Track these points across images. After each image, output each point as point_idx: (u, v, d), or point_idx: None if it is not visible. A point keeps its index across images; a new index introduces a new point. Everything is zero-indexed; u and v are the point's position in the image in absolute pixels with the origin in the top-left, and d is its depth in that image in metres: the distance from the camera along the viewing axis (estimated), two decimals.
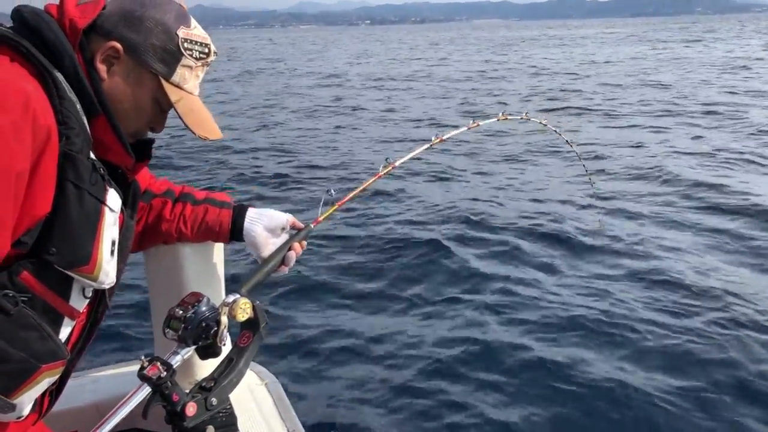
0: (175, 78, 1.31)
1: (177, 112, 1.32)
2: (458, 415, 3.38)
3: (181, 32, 1.30)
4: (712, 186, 7.61)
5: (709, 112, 13.19)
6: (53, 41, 1.18)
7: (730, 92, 16.12)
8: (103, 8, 1.27)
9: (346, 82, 22.92)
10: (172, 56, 1.29)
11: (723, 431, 3.22)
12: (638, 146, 10.18)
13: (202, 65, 1.35)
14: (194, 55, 1.32)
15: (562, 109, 14.53)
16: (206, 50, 1.34)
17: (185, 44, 1.30)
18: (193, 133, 1.34)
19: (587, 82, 19.85)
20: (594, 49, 39.33)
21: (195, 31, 1.33)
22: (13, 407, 1.18)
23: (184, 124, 1.32)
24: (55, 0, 1.26)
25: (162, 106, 1.33)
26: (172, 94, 1.31)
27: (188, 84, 1.33)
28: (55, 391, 1.35)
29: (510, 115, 2.49)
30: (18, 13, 1.20)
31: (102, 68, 1.25)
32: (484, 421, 3.34)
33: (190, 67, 1.32)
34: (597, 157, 9.27)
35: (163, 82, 1.30)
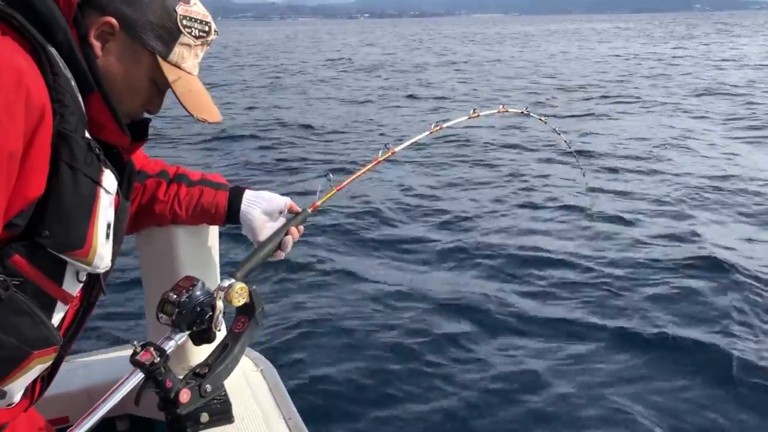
0: (173, 57, 1.25)
1: (174, 92, 1.27)
2: (457, 403, 3.37)
3: (180, 9, 1.24)
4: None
5: None
6: (46, 15, 1.12)
7: None
8: None
9: None
10: (169, 34, 1.24)
11: None
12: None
13: (202, 44, 1.30)
14: (193, 33, 1.27)
15: None
16: (206, 28, 1.29)
17: (184, 21, 1.24)
18: (191, 114, 1.28)
19: None
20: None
21: (195, 8, 1.27)
22: (3, 394, 1.14)
23: (182, 105, 1.27)
24: None
25: (159, 85, 1.28)
26: (170, 73, 1.25)
27: (186, 63, 1.28)
28: (47, 377, 1.32)
29: (510, 108, 2.49)
30: None
31: (96, 45, 1.19)
32: (482, 408, 3.33)
33: (189, 46, 1.27)
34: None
35: (160, 60, 1.24)
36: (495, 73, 21.70)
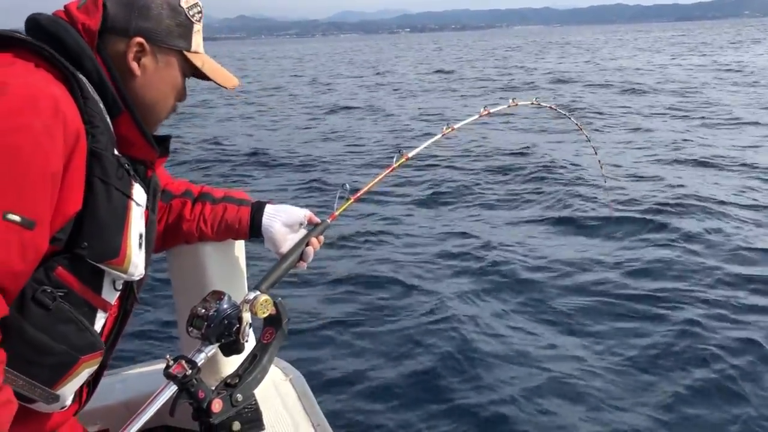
0: (193, 46, 1.37)
1: (206, 74, 1.38)
2: (489, 409, 3.37)
3: (183, 2, 1.34)
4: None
5: None
6: (73, 45, 1.22)
7: None
8: (104, 7, 1.28)
9: None
10: (186, 28, 1.35)
11: None
12: None
13: (200, 22, 1.40)
14: (197, 18, 1.37)
15: None
16: (200, 8, 1.39)
17: (190, 12, 1.35)
18: (224, 87, 1.41)
19: None
20: None
21: None
22: (57, 398, 1.23)
23: (215, 82, 1.39)
24: (59, 7, 1.30)
25: (186, 76, 1.39)
26: (197, 60, 1.37)
27: (200, 46, 1.39)
28: (92, 383, 1.40)
29: (520, 101, 2.48)
30: (34, 21, 1.24)
31: (134, 66, 1.29)
32: (513, 416, 3.33)
33: (198, 31, 1.38)
34: None
35: (187, 54, 1.35)
36: None
